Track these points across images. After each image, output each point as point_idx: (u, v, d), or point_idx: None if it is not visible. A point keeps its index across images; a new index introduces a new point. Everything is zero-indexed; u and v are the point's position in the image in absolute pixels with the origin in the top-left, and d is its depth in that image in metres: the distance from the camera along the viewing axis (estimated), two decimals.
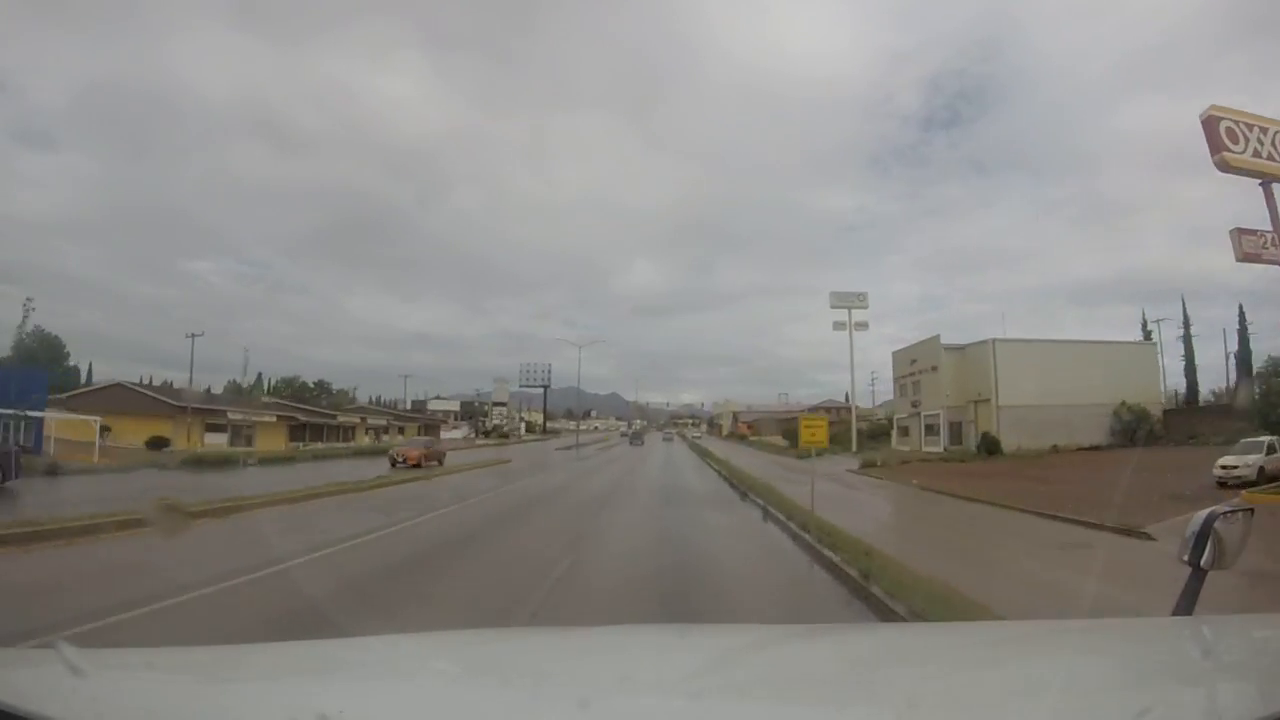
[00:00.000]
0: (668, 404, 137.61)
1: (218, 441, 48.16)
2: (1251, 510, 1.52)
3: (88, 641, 3.71)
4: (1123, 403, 36.60)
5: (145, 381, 54.46)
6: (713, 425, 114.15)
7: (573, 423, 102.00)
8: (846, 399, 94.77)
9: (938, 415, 38.10)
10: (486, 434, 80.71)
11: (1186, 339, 45.61)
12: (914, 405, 40.77)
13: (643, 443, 69.26)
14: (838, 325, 43.35)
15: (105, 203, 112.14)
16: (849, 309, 43.11)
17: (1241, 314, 43.34)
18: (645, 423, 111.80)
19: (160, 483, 17.34)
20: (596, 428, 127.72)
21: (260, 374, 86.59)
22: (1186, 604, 1.42)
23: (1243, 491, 15.37)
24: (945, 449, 36.24)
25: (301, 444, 52.88)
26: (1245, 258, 16.44)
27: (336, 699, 1.04)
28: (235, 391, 74.46)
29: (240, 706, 1.03)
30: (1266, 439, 19.87)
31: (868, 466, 28.74)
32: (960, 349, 38.19)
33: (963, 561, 9.14)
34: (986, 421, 35.46)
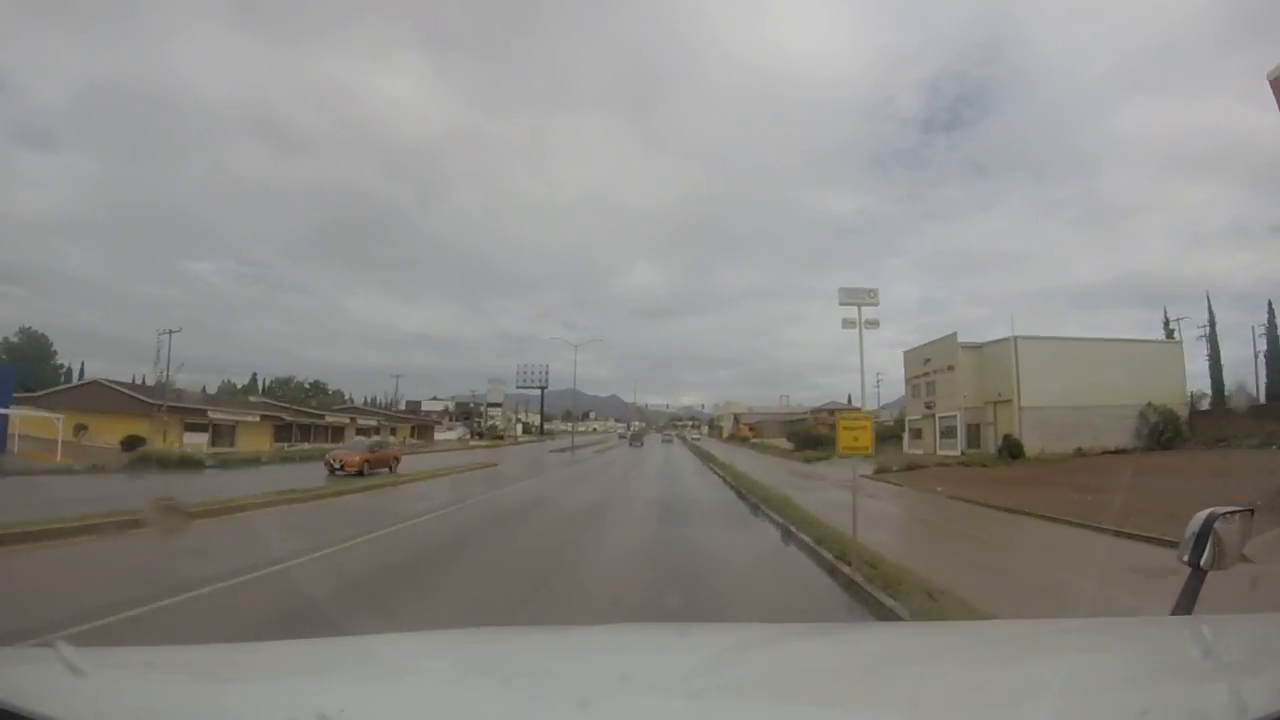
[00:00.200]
0: (667, 405, 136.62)
1: (198, 441, 46.37)
2: (1251, 511, 1.52)
3: None
4: (1149, 404, 34.69)
5: (139, 381, 53.10)
6: (713, 427, 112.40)
7: (568, 424, 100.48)
8: (849, 400, 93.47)
9: (954, 417, 35.92)
10: (480, 435, 78.59)
11: (1212, 337, 43.66)
12: (928, 406, 38.61)
13: (642, 444, 68.15)
14: (847, 323, 40.83)
15: (105, 203, 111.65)
16: (859, 305, 40.84)
17: (1271, 312, 41.48)
18: (644, 425, 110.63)
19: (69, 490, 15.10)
20: (596, 429, 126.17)
21: (255, 374, 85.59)
22: (1186, 603, 1.41)
23: None
24: (963, 452, 34.08)
25: (287, 444, 50.97)
26: None
27: (336, 698, 1.04)
28: (230, 391, 72.97)
29: (240, 706, 1.02)
30: None
31: (883, 472, 26.56)
32: (978, 347, 36.05)
33: (1043, 596, 7.42)
34: (1007, 423, 33.34)
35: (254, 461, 27.57)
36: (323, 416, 60.38)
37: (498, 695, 1.15)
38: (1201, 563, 1.41)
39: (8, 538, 8.33)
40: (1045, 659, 1.38)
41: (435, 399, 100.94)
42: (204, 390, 66.09)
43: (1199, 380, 41.75)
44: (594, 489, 18.07)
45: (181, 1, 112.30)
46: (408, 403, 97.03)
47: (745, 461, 31.75)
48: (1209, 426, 34.92)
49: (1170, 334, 45.95)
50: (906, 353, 42.38)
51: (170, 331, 47.41)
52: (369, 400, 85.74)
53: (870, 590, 6.37)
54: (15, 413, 33.53)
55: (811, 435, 48.95)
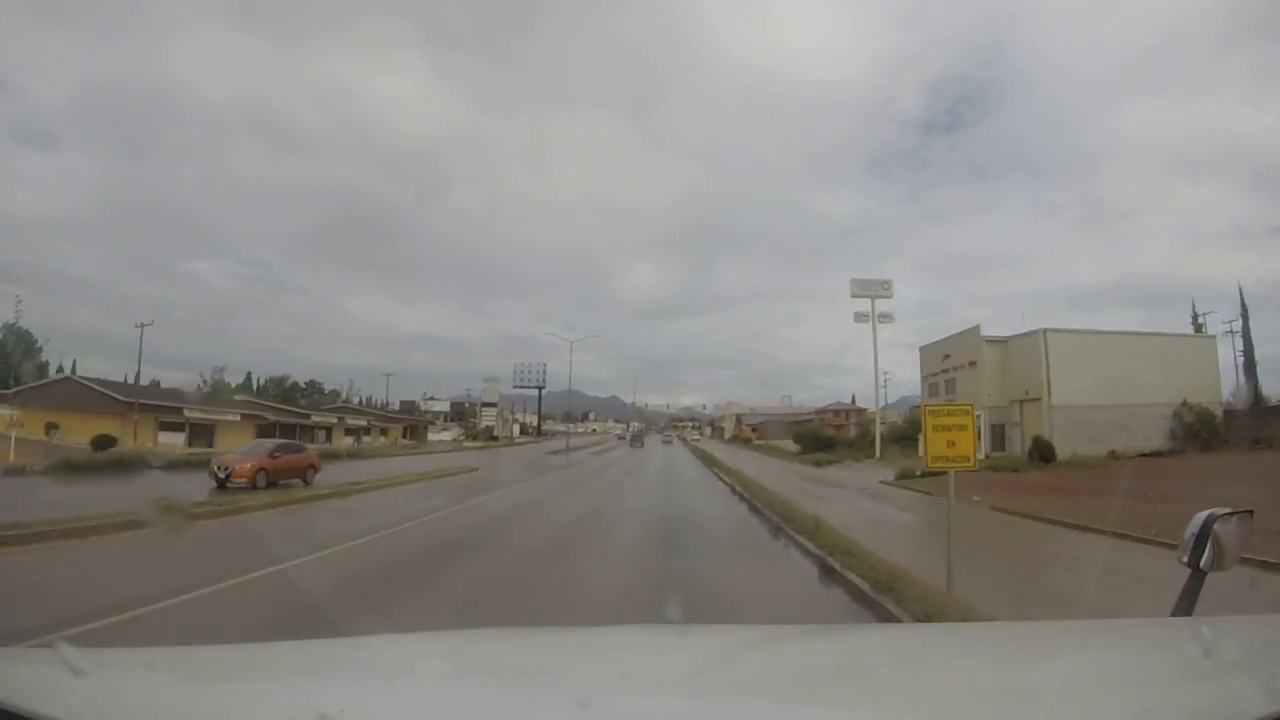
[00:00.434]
0: (667, 405, 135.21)
1: (173, 441, 44.01)
2: (1250, 512, 1.51)
3: None
4: (1184, 402, 32.29)
5: (127, 380, 51.00)
6: (715, 428, 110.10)
7: (568, 424, 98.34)
8: (854, 400, 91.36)
9: (979, 416, 33.30)
10: (474, 436, 76.11)
11: (1245, 333, 41.29)
12: None
13: (643, 444, 66.50)
14: (859, 316, 38.75)
15: (105, 203, 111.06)
16: (872, 298, 38.47)
17: None
18: (643, 425, 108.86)
19: None
20: (595, 430, 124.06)
21: (249, 372, 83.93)
22: (1186, 604, 1.42)
23: None
24: (987, 455, 31.46)
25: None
26: None
27: (336, 698, 1.04)
28: (222, 388, 70.79)
29: (240, 706, 1.02)
30: None
31: (905, 478, 24.03)
32: (1003, 341, 33.48)
33: None
34: (1035, 423, 30.81)
35: (183, 464, 24.88)
36: (308, 416, 57.73)
37: (497, 695, 1.15)
38: (1201, 564, 1.40)
39: None
40: (1045, 659, 1.37)
41: (433, 399, 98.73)
42: (198, 389, 64.47)
43: (1225, 377, 39.70)
44: (581, 502, 14.97)
45: (181, 1, 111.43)
46: (401, 402, 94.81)
47: (751, 465, 29.18)
48: (1245, 426, 32.85)
49: (1198, 329, 43.79)
50: (923, 348, 39.81)
51: (143, 325, 44.91)
52: (364, 400, 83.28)
53: None
54: None
55: (819, 436, 46.39)
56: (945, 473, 19.39)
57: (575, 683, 1.28)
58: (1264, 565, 8.68)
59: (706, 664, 1.39)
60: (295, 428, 55.86)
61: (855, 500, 17.64)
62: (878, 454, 36.15)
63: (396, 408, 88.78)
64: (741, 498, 16.21)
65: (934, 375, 38.04)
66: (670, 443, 77.95)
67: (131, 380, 57.99)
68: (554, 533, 10.58)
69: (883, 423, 54.94)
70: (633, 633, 1.96)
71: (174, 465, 24.18)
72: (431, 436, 75.00)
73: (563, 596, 6.73)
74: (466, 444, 67.32)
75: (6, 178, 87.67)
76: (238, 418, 49.74)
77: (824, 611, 6.52)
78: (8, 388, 43.10)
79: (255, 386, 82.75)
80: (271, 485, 16.95)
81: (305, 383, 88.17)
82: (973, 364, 33.73)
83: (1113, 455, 29.65)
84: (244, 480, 16.99)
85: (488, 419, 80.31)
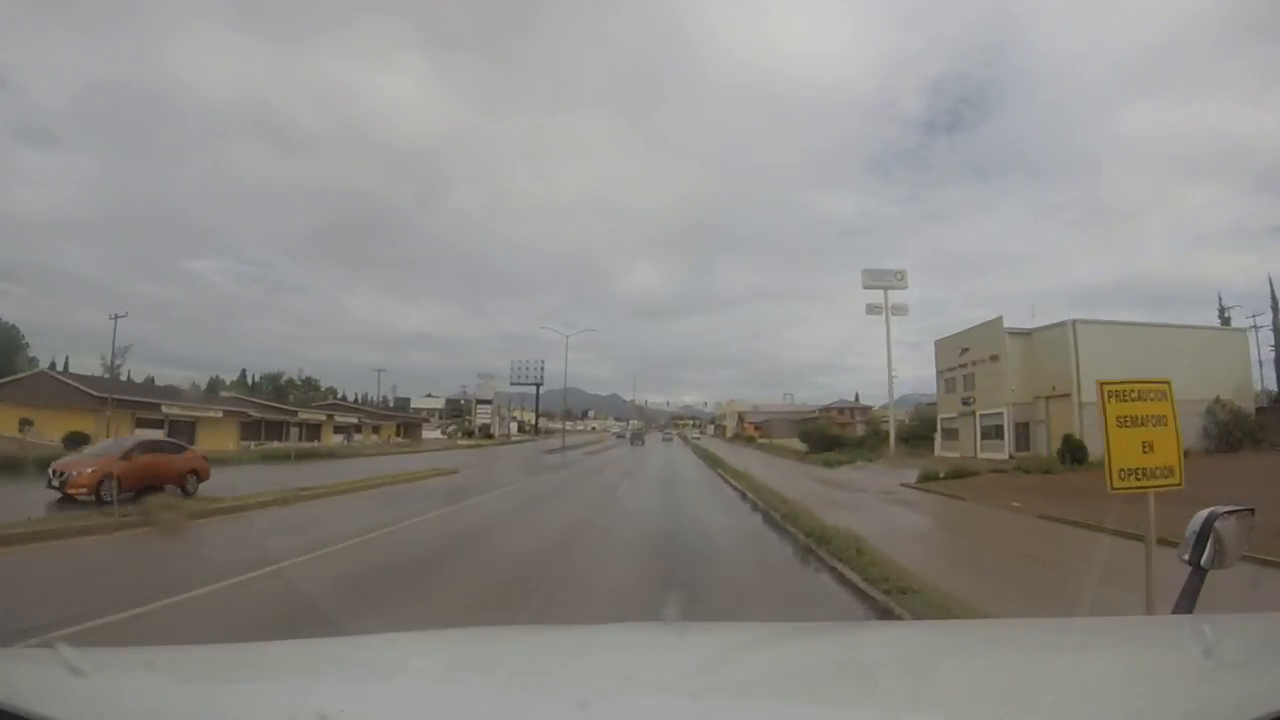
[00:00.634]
0: (668, 403, 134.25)
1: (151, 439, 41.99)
2: (1251, 510, 1.50)
3: None
4: (1217, 399, 30.27)
5: (125, 378, 49.07)
6: (718, 427, 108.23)
7: (569, 423, 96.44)
8: (856, 398, 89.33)
9: (1000, 414, 31.14)
10: (469, 434, 74.04)
11: (1277, 325, 39.13)
12: (965, 403, 33.86)
13: (643, 442, 65.09)
14: (871, 308, 36.61)
15: (105, 201, 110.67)
16: (885, 289, 36.30)
17: None
18: (642, 424, 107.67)
19: None
20: (594, 428, 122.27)
21: (244, 370, 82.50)
22: (1187, 603, 1.41)
23: None
24: (1011, 456, 29.39)
25: (254, 443, 46.53)
26: None
27: (336, 698, 1.04)
28: (217, 385, 69.17)
29: (240, 706, 1.02)
30: None
31: (928, 480, 21.92)
32: (1027, 334, 31.30)
33: None
34: (1063, 421, 28.66)
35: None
36: (295, 413, 55.59)
37: (497, 695, 1.14)
38: (1202, 562, 1.39)
39: None
40: (1045, 659, 1.35)
41: (430, 395, 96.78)
42: (193, 386, 62.77)
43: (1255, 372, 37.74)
44: (564, 517, 12.02)
45: (182, 1, 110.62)
46: (396, 399, 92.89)
47: (759, 466, 27.02)
48: (1276, 424, 31.10)
49: (1225, 323, 41.99)
50: (939, 342, 37.63)
51: (117, 316, 42.80)
52: (360, 398, 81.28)
53: None
54: None
55: (827, 435, 44.18)
56: (977, 475, 16.54)
57: (575, 682, 1.27)
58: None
59: (707, 663, 1.38)
60: (283, 424, 53.86)
61: (883, 508, 15.52)
62: (891, 454, 34.02)
63: (391, 405, 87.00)
64: (754, 506, 13.95)
65: (950, 370, 35.89)
66: (670, 440, 77.56)
67: (128, 378, 56.16)
68: (515, 569, 7.75)
69: (886, 422, 53.00)
70: (633, 632, 1.94)
71: None
72: (427, 434, 72.94)
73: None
74: (460, 442, 65.41)
75: (7, 176, 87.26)
76: (219, 414, 47.61)
77: None
78: None
79: (250, 383, 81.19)
80: (132, 497, 11.85)
81: (301, 380, 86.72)
82: (994, 358, 31.59)
83: None
84: (83, 490, 12.32)
85: (483, 417, 78.09)
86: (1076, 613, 4.86)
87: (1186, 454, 18.12)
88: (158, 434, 43.34)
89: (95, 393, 40.82)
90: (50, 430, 36.69)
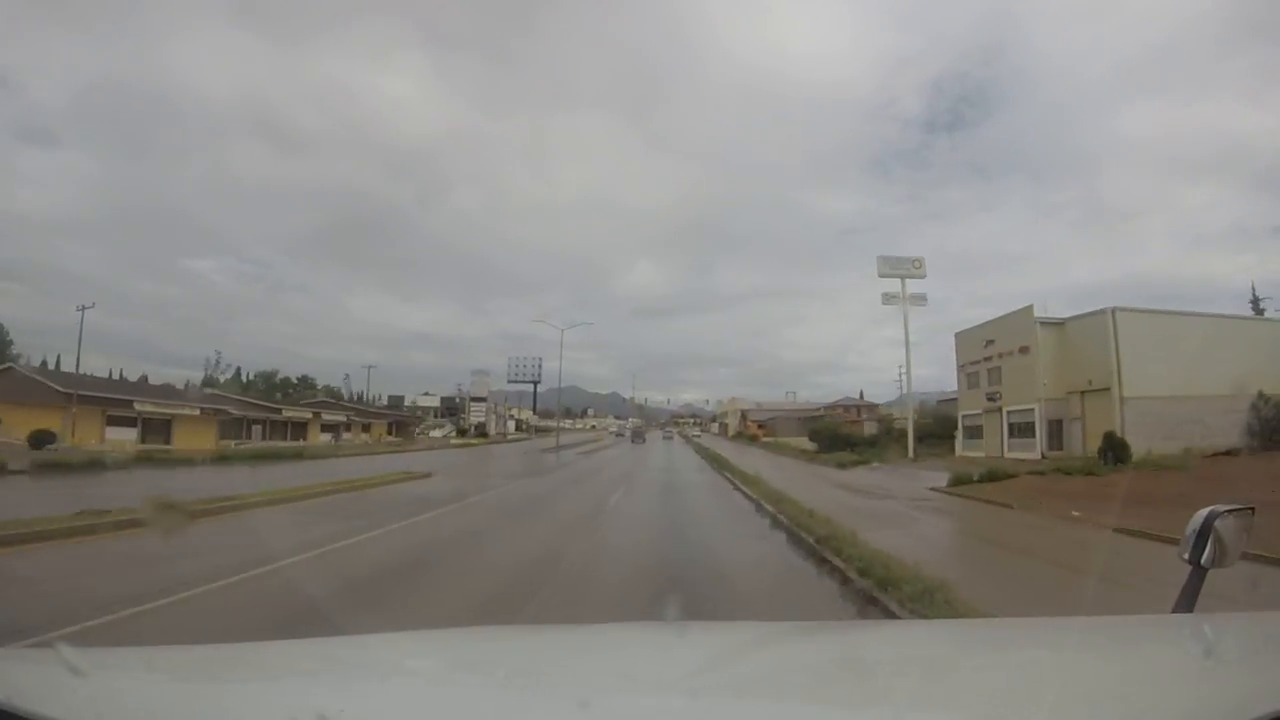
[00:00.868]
0: (668, 401, 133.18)
1: (123, 437, 39.68)
2: (1252, 509, 1.49)
3: None
4: (1260, 393, 27.79)
5: (116, 376, 46.83)
6: (721, 425, 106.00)
7: (568, 421, 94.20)
8: (861, 395, 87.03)
9: (1031, 411, 28.58)
10: (463, 432, 71.65)
11: None
12: (991, 399, 31.30)
13: (644, 440, 63.08)
14: (888, 298, 34.05)
15: (106, 201, 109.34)
16: (902, 278, 33.74)
17: None
18: (642, 422, 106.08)
19: None
20: (593, 426, 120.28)
21: (239, 368, 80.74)
22: (1186, 602, 1.40)
23: None
24: (1043, 455, 26.87)
25: (235, 442, 44.18)
26: None
27: (336, 698, 1.04)
28: (212, 384, 67.07)
29: (240, 706, 1.01)
30: None
31: (961, 484, 19.42)
32: (1060, 324, 28.76)
33: None
34: (1100, 418, 26.16)
35: (93, 465, 20.18)
36: (279, 411, 53.17)
37: (497, 695, 1.14)
38: (1202, 561, 1.39)
39: None
40: (1045, 659, 1.35)
41: (427, 394, 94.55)
42: (187, 385, 60.64)
43: None
44: (539, 537, 9.47)
45: (182, 1, 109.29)
46: (390, 397, 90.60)
47: (769, 469, 24.47)
48: None
49: (1259, 312, 39.81)
50: (959, 334, 35.09)
51: (84, 308, 40.30)
52: (355, 396, 78.90)
53: None
54: None
55: (838, 434, 41.55)
56: (1013, 478, 13.51)
57: (575, 682, 1.27)
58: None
59: (707, 663, 1.37)
60: (265, 423, 51.47)
61: (924, 521, 13.04)
62: (910, 454, 31.47)
63: (384, 402, 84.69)
64: (774, 521, 11.20)
65: (973, 364, 33.33)
66: (670, 438, 76.54)
67: (121, 376, 53.88)
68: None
69: (904, 419, 50.35)
70: (633, 631, 1.94)
71: (52, 467, 19.41)
72: (417, 433, 70.63)
73: None
74: (454, 441, 63.12)
75: (7, 175, 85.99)
76: (197, 412, 45.23)
77: None
78: None
79: (245, 381, 79.17)
80: None
81: (297, 378, 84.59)
82: (1024, 350, 29.03)
83: (1188, 454, 25.43)
84: None
85: (477, 415, 75.59)
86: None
87: (1231, 453, 15.48)
88: (130, 432, 41.12)
89: (60, 388, 38.48)
90: (18, 428, 34.51)
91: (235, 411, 48.00)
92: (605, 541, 9.53)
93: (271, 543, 7.77)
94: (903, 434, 40.52)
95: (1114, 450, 24.58)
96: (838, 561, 7.00)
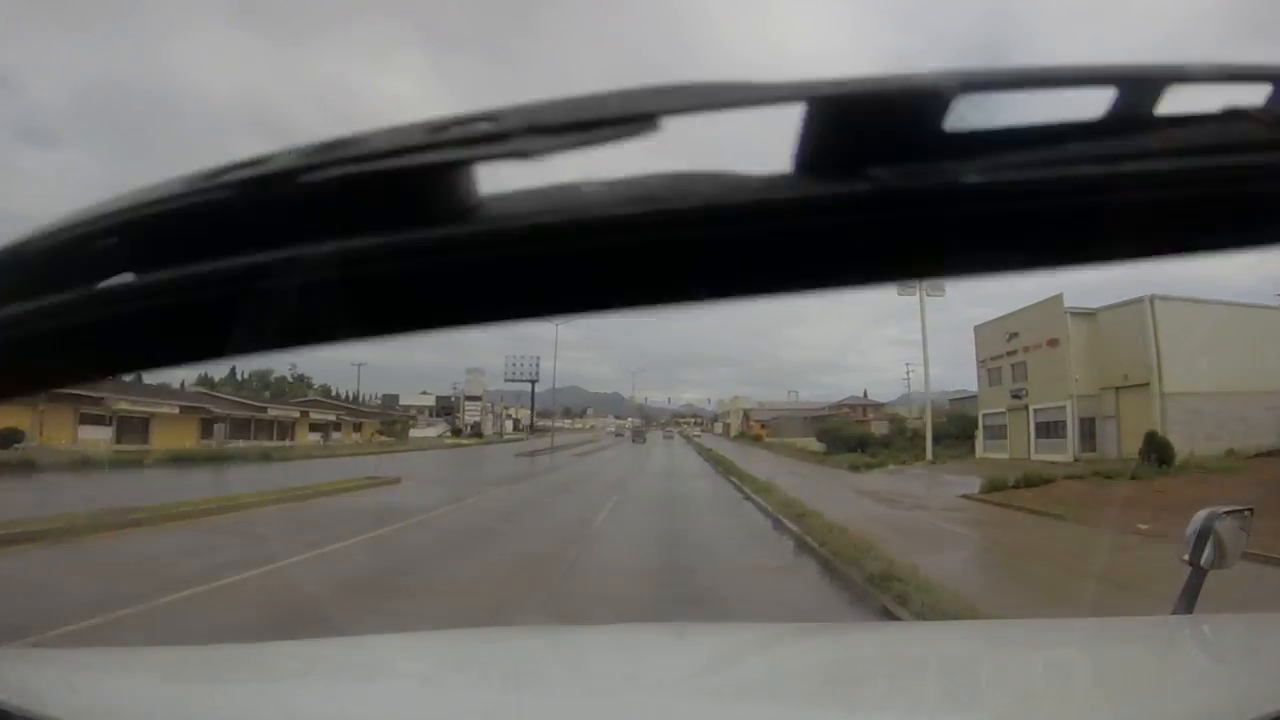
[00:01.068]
0: (669, 400, 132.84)
1: (97, 436, 37.76)
2: (1251, 510, 1.51)
3: None
4: None
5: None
6: (724, 424, 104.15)
7: (567, 421, 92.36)
8: (865, 394, 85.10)
9: (1062, 408, 26.41)
10: (457, 433, 69.65)
11: None
12: (1015, 396, 29.14)
13: (645, 440, 61.47)
14: (903, 288, 31.89)
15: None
16: None
17: None
18: (642, 421, 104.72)
19: None
20: (592, 426, 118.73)
21: (233, 366, 79.04)
22: (1186, 603, 1.39)
23: None
24: (1076, 457, 24.74)
25: (215, 442, 42.26)
26: None
27: (336, 699, 1.05)
28: (207, 383, 65.52)
29: (240, 706, 1.01)
30: None
31: (996, 490, 17.37)
32: (1091, 314, 26.60)
33: None
34: (1138, 416, 24.06)
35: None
36: (264, 410, 51.19)
37: (496, 696, 1.12)
38: (1202, 562, 1.38)
39: None
40: (1045, 659, 1.34)
41: (425, 393, 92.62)
42: (182, 385, 59.17)
43: None
44: (496, 573, 7.25)
45: (182, 0, 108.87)
46: (384, 396, 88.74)
47: (780, 473, 22.33)
48: None
49: None
50: (979, 327, 32.93)
51: None
52: (350, 395, 77.02)
53: None
54: None
55: (850, 435, 39.38)
56: (1051, 482, 11.07)
57: (575, 683, 1.25)
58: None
59: (708, 664, 1.36)
60: (250, 421, 49.52)
61: (971, 538, 10.98)
62: (929, 456, 29.31)
63: (379, 401, 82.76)
64: (800, 544, 8.84)
65: (994, 359, 31.19)
66: (671, 438, 76.20)
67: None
68: None
69: (916, 419, 48.16)
70: (634, 632, 1.89)
71: None
72: (415, 433, 68.66)
73: None
74: (447, 441, 61.27)
75: (9, 175, 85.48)
76: (176, 410, 43.28)
77: None
78: None
79: (239, 379, 77.54)
80: None
81: (294, 376, 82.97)
82: (1053, 343, 26.88)
83: (1231, 454, 23.41)
84: None
85: (472, 414, 73.50)
86: None
87: (1270, 451, 13.40)
88: (105, 431, 39.16)
89: None
90: None
91: (217, 410, 46.08)
92: (576, 592, 6.81)
93: (155, 576, 5.58)
94: (915, 434, 38.36)
95: (1157, 451, 22.51)
96: (875, 593, 4.81)
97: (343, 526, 9.20)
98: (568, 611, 5.70)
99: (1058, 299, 26.84)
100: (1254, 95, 0.33)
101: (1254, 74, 0.34)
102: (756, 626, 2.12)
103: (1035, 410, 27.84)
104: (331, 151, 0.38)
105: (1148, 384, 23.91)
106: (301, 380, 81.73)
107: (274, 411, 52.12)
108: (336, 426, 58.98)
